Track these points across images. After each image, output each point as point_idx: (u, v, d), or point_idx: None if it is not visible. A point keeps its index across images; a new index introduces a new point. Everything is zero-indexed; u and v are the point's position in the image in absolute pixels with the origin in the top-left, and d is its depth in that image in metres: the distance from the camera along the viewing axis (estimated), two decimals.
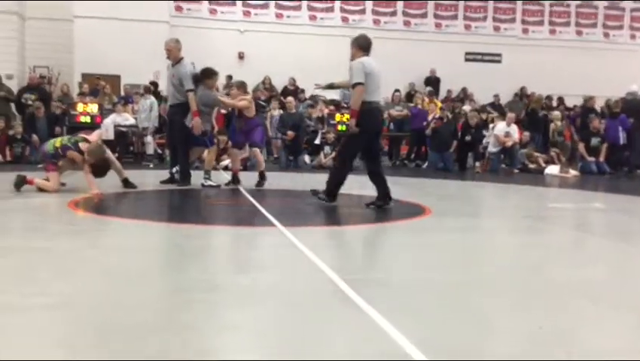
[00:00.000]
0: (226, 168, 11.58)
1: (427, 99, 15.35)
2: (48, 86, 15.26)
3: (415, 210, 6.31)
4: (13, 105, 13.72)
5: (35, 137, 12.14)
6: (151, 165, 11.91)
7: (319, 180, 8.68)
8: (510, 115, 14.04)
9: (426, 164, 14.17)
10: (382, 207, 6.29)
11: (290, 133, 13.12)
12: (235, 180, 8.43)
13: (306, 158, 13.75)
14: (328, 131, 13.88)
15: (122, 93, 14.96)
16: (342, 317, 2.60)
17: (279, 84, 16.78)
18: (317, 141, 13.86)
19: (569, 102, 17.26)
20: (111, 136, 12.09)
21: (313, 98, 15.51)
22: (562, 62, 18.12)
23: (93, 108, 12.66)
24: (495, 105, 16.94)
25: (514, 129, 13.67)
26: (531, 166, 13.73)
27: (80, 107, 12.69)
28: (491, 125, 14.39)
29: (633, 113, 14.30)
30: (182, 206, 6.80)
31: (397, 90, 16.25)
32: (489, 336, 2.46)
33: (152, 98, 12.89)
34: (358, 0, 18.31)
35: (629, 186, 11.34)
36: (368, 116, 6.08)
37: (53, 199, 6.30)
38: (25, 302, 2.65)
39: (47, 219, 5.37)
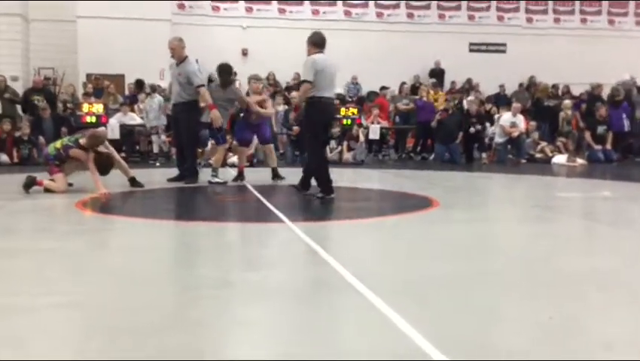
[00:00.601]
0: (232, 165, 11.60)
1: (431, 91, 15.30)
2: (53, 87, 15.30)
3: (423, 203, 6.29)
4: (18, 107, 13.76)
5: (41, 138, 12.18)
6: (158, 164, 11.94)
7: None
8: (516, 105, 13.97)
9: (432, 156, 14.14)
10: (301, 193, 6.72)
11: (295, 128, 13.10)
12: (240, 176, 8.45)
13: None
14: (333, 125, 13.84)
15: (126, 92, 14.98)
16: (354, 312, 2.59)
17: (283, 80, 16.77)
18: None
19: (575, 91, 17.16)
20: (116, 135, 12.11)
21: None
22: (567, 50, 18.01)
23: (99, 108, 12.68)
24: (501, 95, 16.87)
25: (520, 119, 13.59)
26: (538, 156, 13.67)
27: (85, 107, 12.71)
28: (496, 116, 14.33)
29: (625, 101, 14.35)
30: (190, 204, 6.80)
31: (403, 83, 16.20)
32: (500, 328, 2.45)
33: (159, 97, 12.90)
34: None
35: (636, 173, 11.28)
36: (320, 110, 6.44)
37: (61, 200, 6.32)
38: (34, 303, 2.66)
39: (55, 220, 5.38)
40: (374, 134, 14.14)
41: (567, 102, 14.90)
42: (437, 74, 17.76)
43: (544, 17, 19.06)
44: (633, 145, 14.47)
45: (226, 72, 8.27)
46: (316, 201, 6.33)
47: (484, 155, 13.89)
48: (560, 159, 13.17)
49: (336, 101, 12.38)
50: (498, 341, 2.26)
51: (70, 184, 7.11)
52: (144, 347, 2.15)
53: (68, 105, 13.70)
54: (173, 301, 2.77)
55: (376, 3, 18.34)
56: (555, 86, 17.18)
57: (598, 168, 12.34)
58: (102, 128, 7.21)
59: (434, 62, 17.95)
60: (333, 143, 13.67)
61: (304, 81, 6.40)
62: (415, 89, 16.29)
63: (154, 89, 13.28)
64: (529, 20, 18.97)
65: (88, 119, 12.51)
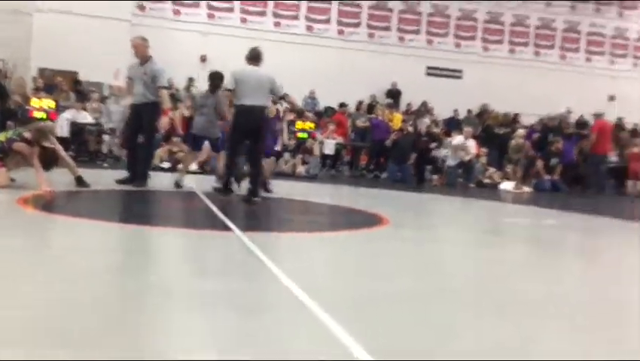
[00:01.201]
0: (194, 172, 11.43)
1: (387, 111, 15.50)
2: (4, 79, 14.79)
3: (373, 220, 6.30)
4: None
5: None
6: (106, 165, 11.66)
7: (275, 184, 8.67)
8: (467, 129, 14.28)
9: (385, 175, 14.28)
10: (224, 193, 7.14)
11: None
12: (265, 187, 8.24)
13: None
14: (288, 138, 13.83)
15: (78, 90, 14.62)
16: (296, 324, 2.55)
17: None
18: (277, 148, 13.77)
19: (525, 121, 17.64)
20: (65, 133, 11.78)
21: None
22: (520, 80, 18.50)
23: (50, 104, 12.31)
24: (454, 120, 17.21)
25: (472, 144, 13.89)
26: (487, 181, 13.97)
27: (35, 102, 12.33)
28: (449, 139, 14.60)
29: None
30: (137, 207, 6.64)
31: (361, 101, 16.41)
32: (446, 344, 2.45)
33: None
34: (323, 7, 18.36)
35: (581, 204, 11.63)
36: (238, 117, 7.04)
37: (2, 196, 6.07)
38: None
39: None
40: (329, 149, 14.21)
41: (520, 131, 15.31)
42: (394, 94, 18.00)
43: (500, 47, 19.58)
44: (581, 176, 14.96)
45: (218, 78, 8.26)
46: (268, 211, 6.29)
47: (435, 177, 14.11)
48: (508, 185, 13.48)
49: (284, 109, 12.49)
50: (443, 357, 2.26)
51: (12, 180, 6.84)
52: (84, 350, 2.05)
53: (16, 99, 13.25)
54: (109, 306, 2.67)
55: (339, 21, 18.48)
56: (506, 115, 17.64)
57: (544, 196, 12.67)
58: (49, 123, 6.98)
59: (390, 83, 18.18)
60: (287, 155, 13.65)
61: (225, 90, 7.43)
62: (371, 107, 16.47)
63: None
64: (485, 49, 19.44)
65: (37, 114, 12.13)
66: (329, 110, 16.91)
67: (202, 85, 16.82)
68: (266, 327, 2.49)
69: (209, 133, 8.26)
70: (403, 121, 15.18)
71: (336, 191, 10.24)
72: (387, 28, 18.84)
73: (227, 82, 7.20)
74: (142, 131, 8.12)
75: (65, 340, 2.16)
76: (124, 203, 6.86)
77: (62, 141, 8.35)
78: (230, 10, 17.77)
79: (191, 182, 8.57)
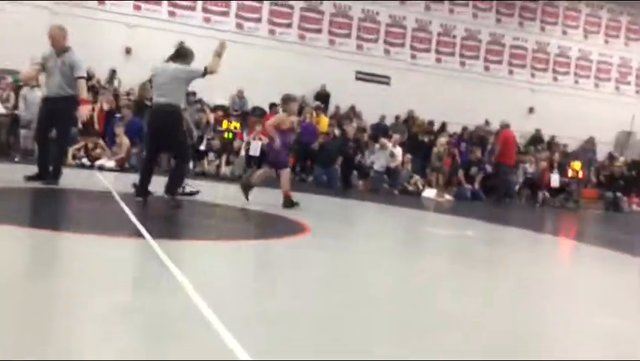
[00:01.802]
0: (100, 168, 10.97)
1: (314, 113, 15.45)
2: None
3: (294, 228, 6.19)
4: None
5: None
6: (17, 159, 11.03)
7: (198, 185, 8.40)
8: (396, 136, 14.44)
9: (311, 178, 14.22)
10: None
11: None
12: (288, 203, 7.80)
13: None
14: (213, 137, 13.57)
15: None
16: (198, 341, 2.39)
17: None
18: (202, 147, 13.49)
19: (450, 129, 18.04)
20: None
21: (200, 101, 15.13)
22: (446, 90, 18.88)
23: None
24: (381, 126, 17.36)
25: (399, 151, 14.04)
26: (411, 188, 14.16)
27: None
28: (376, 145, 14.71)
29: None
30: (44, 208, 6.26)
31: None
32: None
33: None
34: (254, 6, 18.13)
35: (498, 214, 11.96)
36: (148, 116, 7.05)
37: None
38: None
39: None
40: (255, 150, 14.01)
41: (442, 139, 15.61)
42: (323, 97, 17.98)
43: (427, 55, 19.92)
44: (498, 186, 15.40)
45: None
46: (185, 217, 6.06)
47: (361, 182, 14.18)
48: (430, 193, 13.71)
49: (207, 112, 12.15)
50: None
51: None
52: None
53: None
54: (12, 320, 2.43)
55: (269, 20, 18.29)
56: (431, 123, 17.97)
57: (464, 205, 12.95)
58: None
59: (320, 86, 18.15)
60: (211, 155, 13.37)
61: None
62: (300, 109, 16.36)
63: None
64: (413, 57, 19.74)
65: None
66: (257, 110, 16.69)
67: (124, 78, 16.33)
68: (164, 348, 2.32)
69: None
70: (330, 125, 15.17)
71: (260, 194, 10.06)
72: (318, 31, 18.81)
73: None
74: (56, 126, 7.70)
75: None
76: (30, 203, 6.45)
77: None
78: (158, 2, 17.24)
79: (106, 180, 8.19)
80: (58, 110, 7.59)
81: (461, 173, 14.63)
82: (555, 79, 21.18)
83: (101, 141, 11.83)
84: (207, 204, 7.75)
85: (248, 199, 7.91)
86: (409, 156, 14.91)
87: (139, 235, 4.74)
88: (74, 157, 11.25)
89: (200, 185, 8.75)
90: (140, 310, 2.83)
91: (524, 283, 4.80)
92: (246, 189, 7.99)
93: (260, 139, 14.36)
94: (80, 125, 10.58)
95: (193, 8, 17.50)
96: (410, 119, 18.24)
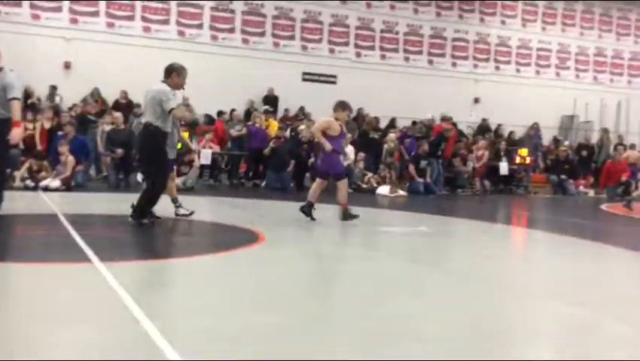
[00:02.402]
0: (45, 189, 10.64)
1: (264, 117, 15.35)
2: None
3: (248, 238, 6.12)
4: None
5: None
6: None
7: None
8: (347, 135, 14.43)
9: (264, 183, 14.13)
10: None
11: (119, 151, 12.37)
12: (347, 215, 7.68)
13: (139, 176, 13.04)
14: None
15: None
16: None
17: (111, 97, 15.87)
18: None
19: (400, 124, 18.15)
20: None
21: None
22: (393, 85, 19.02)
23: None
24: None
25: (350, 150, 14.07)
26: (365, 186, 14.21)
27: None
28: None
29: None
30: None
31: (233, 109, 16.20)
32: None
33: None
34: (195, 12, 17.90)
35: (449, 206, 12.12)
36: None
37: None
38: None
39: None
40: (206, 159, 13.84)
41: (391, 135, 15.71)
42: (271, 100, 17.88)
43: (372, 53, 20.03)
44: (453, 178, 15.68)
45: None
46: (135, 236, 5.91)
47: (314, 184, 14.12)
48: (383, 189, 13.78)
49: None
50: None
51: None
52: None
53: None
54: None
55: (211, 26, 18.08)
56: (377, 119, 18.05)
57: (418, 200, 13.08)
58: None
59: (267, 89, 18.06)
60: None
61: None
62: (249, 114, 16.27)
63: None
64: (358, 55, 19.82)
65: None
66: (205, 118, 16.49)
67: (65, 93, 15.89)
68: None
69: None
70: (280, 128, 15.10)
71: (212, 205, 9.95)
72: (261, 34, 18.69)
73: None
74: None
75: None
76: None
77: None
78: (95, 14, 16.82)
79: (51, 202, 7.93)
80: None
81: (412, 168, 14.75)
82: (497, 68, 21.57)
83: (45, 162, 11.46)
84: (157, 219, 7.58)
85: (314, 218, 7.73)
86: (361, 154, 14.95)
87: (87, 259, 4.59)
88: (21, 179, 10.88)
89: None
90: (91, 345, 2.73)
91: (479, 278, 4.85)
92: (309, 208, 7.78)
93: (210, 147, 14.22)
94: (22, 146, 10.23)
95: (131, 18, 17.14)
96: (360, 117, 18.30)
